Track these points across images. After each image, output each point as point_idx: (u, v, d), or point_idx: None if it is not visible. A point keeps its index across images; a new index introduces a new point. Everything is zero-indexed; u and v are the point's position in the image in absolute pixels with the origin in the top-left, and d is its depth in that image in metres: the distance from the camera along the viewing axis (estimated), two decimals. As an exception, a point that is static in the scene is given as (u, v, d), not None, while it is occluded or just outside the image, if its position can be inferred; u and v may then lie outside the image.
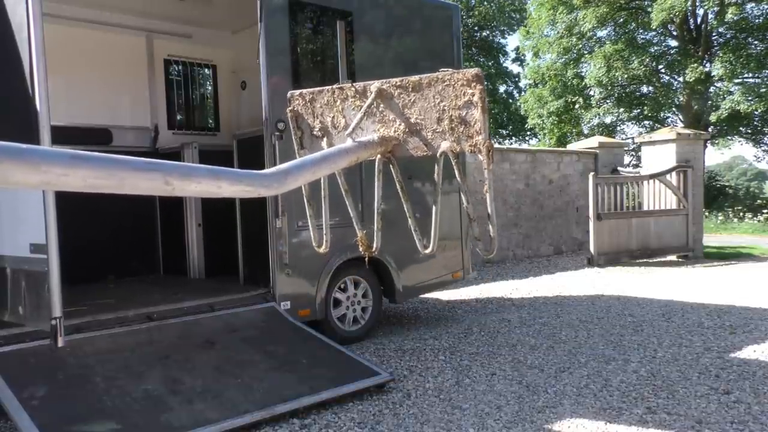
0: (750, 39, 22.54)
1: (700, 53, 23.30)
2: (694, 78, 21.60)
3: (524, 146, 29.14)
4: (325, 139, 2.31)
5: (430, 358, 5.19)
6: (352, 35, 5.67)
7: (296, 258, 5.24)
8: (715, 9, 21.43)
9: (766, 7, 21.63)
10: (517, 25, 30.44)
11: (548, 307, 7.47)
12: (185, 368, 4.04)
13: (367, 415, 3.89)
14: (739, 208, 23.91)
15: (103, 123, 6.39)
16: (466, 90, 1.96)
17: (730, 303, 7.41)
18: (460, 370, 4.83)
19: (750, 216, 22.49)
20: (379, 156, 2.18)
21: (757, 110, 21.92)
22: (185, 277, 6.52)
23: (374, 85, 2.14)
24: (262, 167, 2.05)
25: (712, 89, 23.34)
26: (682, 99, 24.22)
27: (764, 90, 21.18)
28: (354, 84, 2.22)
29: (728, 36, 23.30)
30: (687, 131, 12.78)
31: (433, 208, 2.22)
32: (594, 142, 14.05)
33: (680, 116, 25.34)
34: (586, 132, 26.65)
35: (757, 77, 22.37)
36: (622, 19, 24.51)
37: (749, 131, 26.28)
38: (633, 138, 25.80)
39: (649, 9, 22.28)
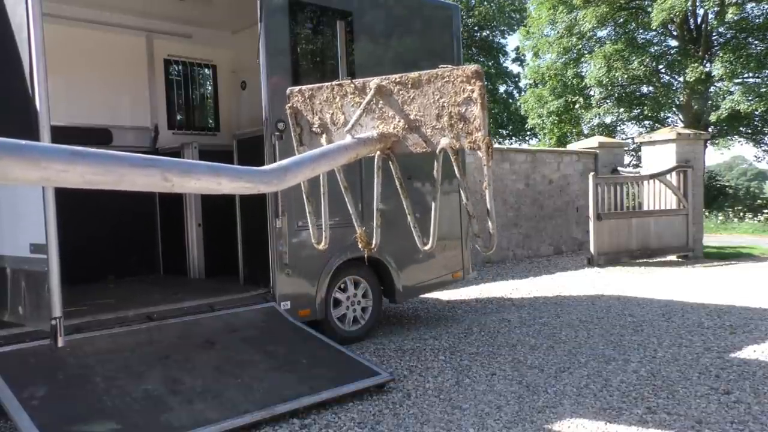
0: (750, 39, 22.55)
1: (700, 53, 23.31)
2: (694, 78, 21.61)
3: (524, 146, 29.15)
4: (324, 135, 2.31)
5: (430, 358, 5.19)
6: (352, 35, 5.67)
7: (296, 258, 5.24)
8: (716, 9, 21.43)
9: (766, 7, 21.64)
10: (517, 25, 30.46)
11: (548, 307, 7.47)
12: (185, 368, 4.04)
13: (367, 415, 3.89)
14: (739, 208, 23.91)
15: (103, 123, 6.39)
16: (465, 86, 1.96)
17: (730, 303, 7.41)
18: (460, 370, 4.83)
19: (750, 216, 22.49)
20: (378, 153, 2.18)
21: (757, 110, 21.93)
22: (185, 277, 6.52)
23: (373, 82, 2.14)
24: (263, 167, 2.04)
25: (712, 89, 23.36)
26: (682, 99, 24.22)
27: (764, 90, 21.19)
28: (353, 80, 2.22)
29: (728, 36, 23.31)
30: (687, 131, 12.78)
31: (433, 204, 2.22)
32: (594, 142, 14.05)
33: (680, 116, 25.35)
34: (586, 132, 26.67)
35: (757, 77, 22.38)
36: (622, 19, 24.52)
37: (749, 131, 26.30)
38: (633, 138, 25.83)
39: (649, 9, 22.29)
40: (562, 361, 5.02)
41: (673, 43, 25.15)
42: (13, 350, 3.79)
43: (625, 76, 23.49)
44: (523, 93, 30.38)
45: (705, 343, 5.53)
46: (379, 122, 2.16)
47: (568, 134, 26.92)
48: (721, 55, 22.13)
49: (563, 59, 25.43)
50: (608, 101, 25.57)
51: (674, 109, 25.56)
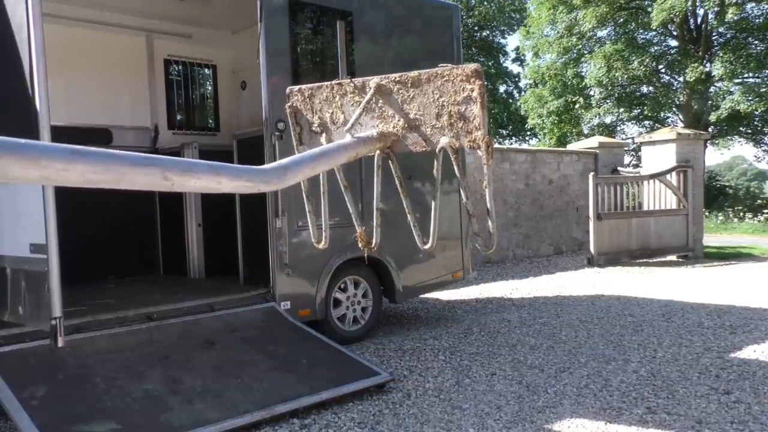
0: (750, 39, 22.55)
1: (700, 53, 23.31)
2: (694, 78, 21.61)
3: (524, 146, 29.15)
4: (324, 134, 2.31)
5: (430, 358, 5.19)
6: (352, 35, 5.67)
7: (296, 258, 5.24)
8: (716, 9, 21.43)
9: (766, 7, 21.64)
10: (517, 25, 30.46)
11: (548, 307, 7.47)
12: (185, 368, 4.04)
13: (367, 415, 3.89)
14: (739, 208, 23.91)
15: (103, 123, 6.39)
16: (465, 85, 1.96)
17: (730, 303, 7.41)
18: (460, 370, 4.83)
19: (750, 216, 22.49)
20: (378, 152, 2.18)
21: (757, 110, 21.93)
22: (185, 277, 6.52)
23: (373, 81, 2.14)
24: (262, 167, 2.04)
25: (712, 89, 23.36)
26: (682, 99, 24.22)
27: (764, 90, 21.20)
28: (353, 80, 2.22)
29: (728, 36, 23.31)
30: (687, 131, 12.78)
31: (433, 203, 2.22)
32: (594, 142, 14.05)
33: (680, 116, 25.35)
34: (586, 132, 26.67)
35: (757, 77, 22.39)
36: (622, 19, 24.52)
37: (749, 131, 26.30)
38: (633, 138, 25.83)
39: (649, 9, 22.29)
40: (562, 361, 5.02)
41: (673, 43, 25.18)
42: (13, 350, 3.79)
43: (625, 76, 23.48)
44: (523, 93, 30.38)
45: (705, 343, 5.53)
46: (379, 121, 2.16)
47: (568, 134, 26.92)
48: (721, 55, 22.13)
49: (563, 59, 25.43)
50: (608, 101, 25.57)
51: (674, 109, 25.57)
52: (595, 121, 26.70)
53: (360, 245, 2.35)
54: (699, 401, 4.05)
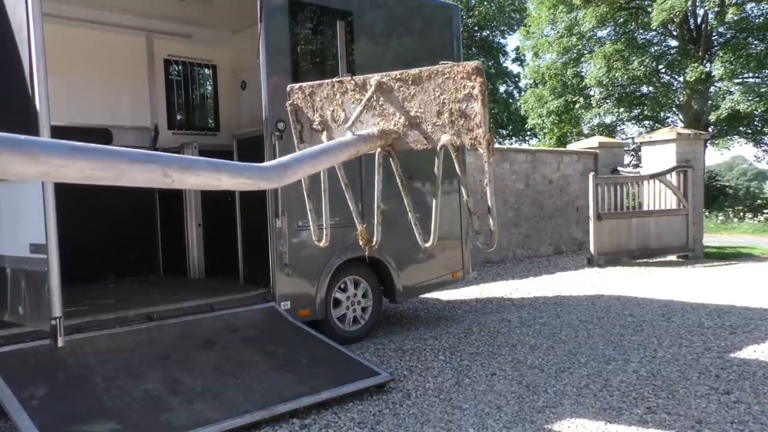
0: (750, 39, 22.54)
1: (700, 53, 23.31)
2: (694, 78, 21.61)
3: (524, 146, 29.15)
4: (324, 132, 2.31)
5: (430, 358, 5.19)
6: (352, 35, 5.67)
7: (296, 258, 5.24)
8: (716, 9, 21.43)
9: (766, 7, 21.64)
10: (517, 25, 30.45)
11: (548, 307, 7.47)
12: (185, 368, 4.04)
13: (367, 415, 3.89)
14: (739, 208, 23.91)
15: (103, 123, 6.39)
16: (466, 83, 1.95)
17: (730, 303, 7.40)
18: (460, 370, 4.83)
19: (750, 216, 22.49)
20: (379, 149, 2.18)
21: (757, 110, 21.93)
22: (185, 277, 6.52)
23: (374, 79, 2.14)
24: (262, 167, 2.04)
25: (712, 89, 23.35)
26: (682, 99, 24.22)
27: (764, 90, 21.20)
28: (353, 77, 2.22)
29: (728, 36, 23.31)
30: (687, 131, 12.78)
31: (434, 201, 2.22)
32: (594, 142, 14.05)
33: (680, 116, 25.35)
34: (586, 132, 26.66)
35: (757, 77, 22.38)
36: (622, 19, 24.52)
37: (749, 131, 26.29)
38: (633, 138, 25.82)
39: (649, 9, 22.28)
40: (562, 361, 5.02)
41: (673, 43, 25.17)
42: (13, 350, 3.79)
43: (625, 76, 23.48)
44: (523, 93, 30.38)
45: (705, 343, 5.53)
46: (380, 119, 2.16)
47: (568, 134, 26.91)
48: (721, 55, 22.13)
49: (563, 59, 25.43)
50: (608, 101, 25.56)
51: (674, 109, 25.56)
52: (595, 121, 26.70)
53: (361, 243, 2.35)
54: (699, 401, 4.05)
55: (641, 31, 24.64)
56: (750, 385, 4.34)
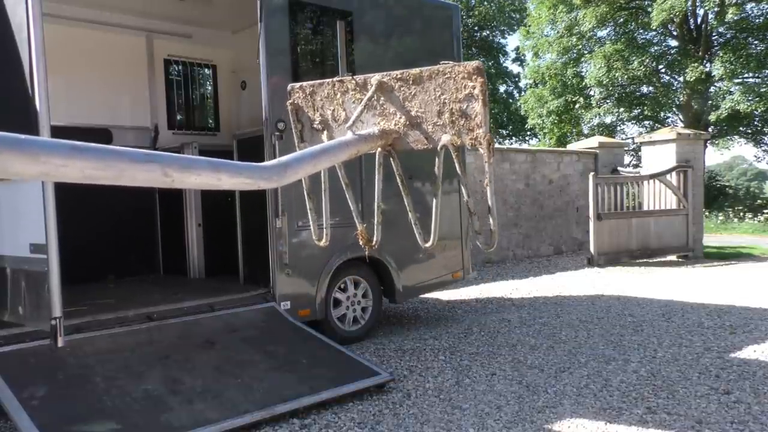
0: (750, 39, 22.54)
1: (700, 53, 23.31)
2: (694, 78, 21.60)
3: (524, 146, 29.15)
4: (325, 132, 2.31)
5: (430, 358, 5.19)
6: (352, 35, 5.67)
7: (296, 258, 5.24)
8: (715, 9, 21.43)
9: (766, 7, 21.64)
10: (517, 25, 30.45)
11: (548, 307, 7.47)
12: (185, 368, 4.04)
13: (367, 415, 3.89)
14: (740, 208, 23.91)
15: (103, 123, 6.39)
16: (467, 83, 1.95)
17: (730, 303, 7.40)
18: (460, 370, 4.83)
19: (750, 216, 22.49)
20: (379, 149, 2.18)
21: (757, 110, 21.93)
22: (185, 277, 6.52)
23: (375, 78, 2.14)
24: (262, 167, 2.04)
25: (712, 89, 23.35)
26: (682, 99, 24.22)
27: (764, 90, 21.20)
28: (354, 77, 2.22)
29: (728, 36, 23.31)
30: (687, 131, 12.78)
31: (434, 201, 2.22)
32: (594, 142, 14.05)
33: (680, 116, 25.35)
34: (586, 132, 26.66)
35: (757, 77, 22.38)
36: (622, 19, 24.52)
37: (749, 131, 26.29)
38: (633, 138, 25.82)
39: (649, 9, 22.28)
40: (562, 361, 5.02)
41: (673, 43, 25.17)
42: (13, 350, 3.79)
43: (625, 76, 23.48)
44: (523, 93, 30.38)
45: (705, 343, 5.53)
46: (381, 118, 2.16)
47: (568, 134, 26.91)
48: (721, 55, 22.13)
49: (563, 59, 25.43)
50: (608, 101, 25.56)
51: (674, 109, 25.56)
52: (595, 121, 26.70)
53: (361, 243, 2.35)
54: (699, 401, 4.05)
55: (641, 31, 24.64)
56: (750, 385, 4.34)
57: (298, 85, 2.37)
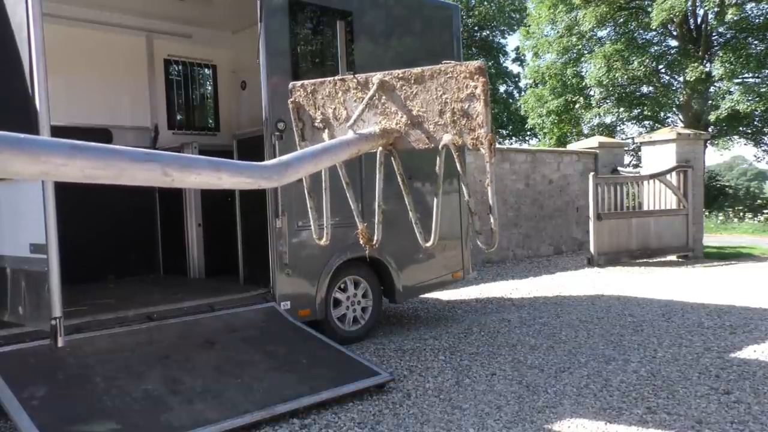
0: (750, 39, 22.54)
1: (700, 53, 23.30)
2: (694, 78, 21.60)
3: (524, 146, 29.15)
4: (326, 131, 2.30)
5: (430, 358, 5.19)
6: (352, 35, 5.67)
7: (296, 258, 5.24)
8: (715, 9, 21.43)
9: (766, 7, 21.64)
10: (517, 25, 30.45)
11: (548, 307, 7.47)
12: (185, 368, 4.04)
13: (367, 415, 3.89)
14: (740, 208, 23.91)
15: (103, 123, 6.39)
16: (468, 82, 1.95)
17: (730, 303, 7.40)
18: (460, 370, 4.83)
19: (750, 216, 22.49)
20: (380, 148, 2.17)
21: (756, 110, 21.93)
22: (185, 277, 6.52)
23: (376, 77, 2.14)
24: (262, 167, 2.03)
25: (712, 89, 23.35)
26: (682, 99, 24.22)
27: (764, 90, 21.20)
28: (356, 75, 2.22)
29: (728, 36, 23.31)
30: (687, 131, 12.78)
31: (435, 201, 2.22)
32: (594, 142, 14.05)
33: (680, 116, 25.35)
34: (586, 132, 26.65)
35: (757, 77, 22.39)
36: (622, 19, 24.51)
37: (749, 131, 26.29)
38: (633, 138, 25.82)
39: (649, 9, 22.28)
40: (562, 361, 5.02)
41: (673, 43, 25.17)
42: (13, 350, 3.79)
43: (625, 76, 23.48)
44: (523, 93, 30.38)
45: (705, 343, 5.53)
46: (382, 118, 2.16)
47: (568, 134, 26.91)
48: (721, 55, 22.13)
49: (563, 59, 25.43)
50: (608, 101, 25.56)
51: (674, 109, 25.56)
52: (595, 121, 26.70)
53: (361, 242, 2.35)
54: (699, 401, 4.05)
55: (641, 31, 24.64)
56: (750, 385, 4.34)
57: (299, 83, 2.37)
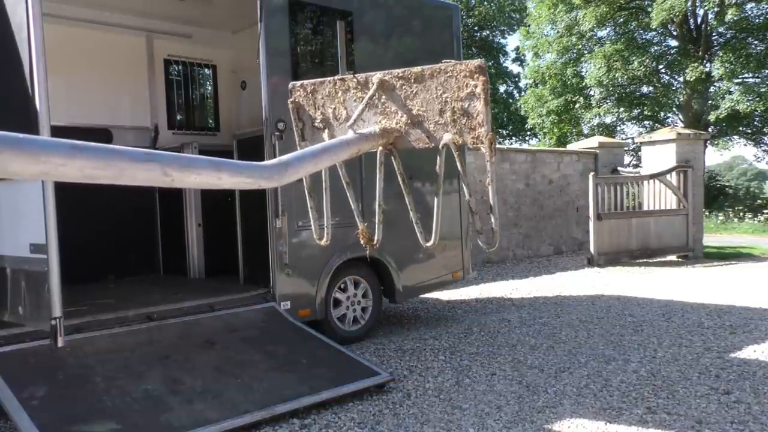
0: (750, 39, 22.54)
1: (700, 53, 23.31)
2: (694, 78, 21.60)
3: (524, 146, 29.15)
4: (326, 130, 2.30)
5: (430, 358, 5.19)
6: (352, 35, 5.67)
7: (296, 258, 5.23)
8: (715, 9, 21.43)
9: (766, 7, 21.64)
10: (517, 25, 30.45)
11: (548, 307, 7.47)
12: (185, 368, 4.04)
13: (367, 415, 3.89)
14: (740, 208, 23.91)
15: (103, 123, 6.39)
16: (468, 81, 1.95)
17: (730, 303, 7.40)
18: (460, 370, 4.83)
19: (750, 216, 22.48)
20: (380, 148, 2.17)
21: (756, 110, 21.93)
22: (185, 277, 6.52)
23: (376, 77, 2.14)
24: (262, 167, 2.03)
25: (712, 89, 23.35)
26: (682, 99, 24.22)
27: (764, 90, 21.19)
28: (356, 75, 2.22)
29: (728, 36, 23.31)
30: (687, 131, 12.78)
31: (435, 200, 2.22)
32: (594, 142, 14.05)
33: (680, 116, 25.34)
34: (586, 132, 26.65)
35: (757, 77, 22.39)
36: (622, 19, 24.52)
37: (749, 131, 26.29)
38: (633, 138, 25.82)
39: (649, 9, 22.28)
40: (562, 361, 5.02)
41: (673, 43, 25.17)
42: (13, 350, 3.79)
43: (625, 76, 23.48)
44: (523, 93, 30.38)
45: (705, 343, 5.53)
46: (382, 117, 2.16)
47: (568, 134, 26.91)
48: (721, 55, 22.13)
49: (563, 59, 25.43)
50: (608, 101, 25.56)
51: (674, 109, 25.56)
52: (595, 121, 26.70)
53: (362, 242, 2.35)
54: (699, 401, 4.05)
55: (641, 31, 24.64)
56: (750, 385, 4.34)
57: (299, 83, 2.37)
